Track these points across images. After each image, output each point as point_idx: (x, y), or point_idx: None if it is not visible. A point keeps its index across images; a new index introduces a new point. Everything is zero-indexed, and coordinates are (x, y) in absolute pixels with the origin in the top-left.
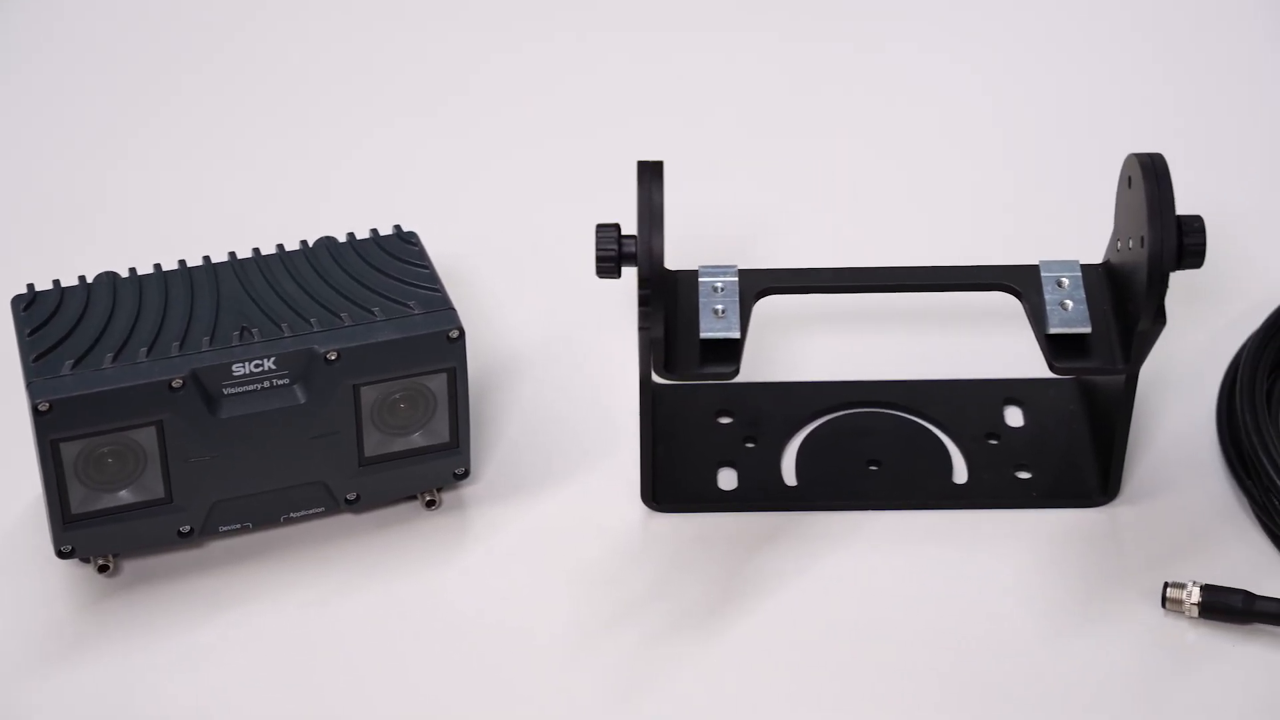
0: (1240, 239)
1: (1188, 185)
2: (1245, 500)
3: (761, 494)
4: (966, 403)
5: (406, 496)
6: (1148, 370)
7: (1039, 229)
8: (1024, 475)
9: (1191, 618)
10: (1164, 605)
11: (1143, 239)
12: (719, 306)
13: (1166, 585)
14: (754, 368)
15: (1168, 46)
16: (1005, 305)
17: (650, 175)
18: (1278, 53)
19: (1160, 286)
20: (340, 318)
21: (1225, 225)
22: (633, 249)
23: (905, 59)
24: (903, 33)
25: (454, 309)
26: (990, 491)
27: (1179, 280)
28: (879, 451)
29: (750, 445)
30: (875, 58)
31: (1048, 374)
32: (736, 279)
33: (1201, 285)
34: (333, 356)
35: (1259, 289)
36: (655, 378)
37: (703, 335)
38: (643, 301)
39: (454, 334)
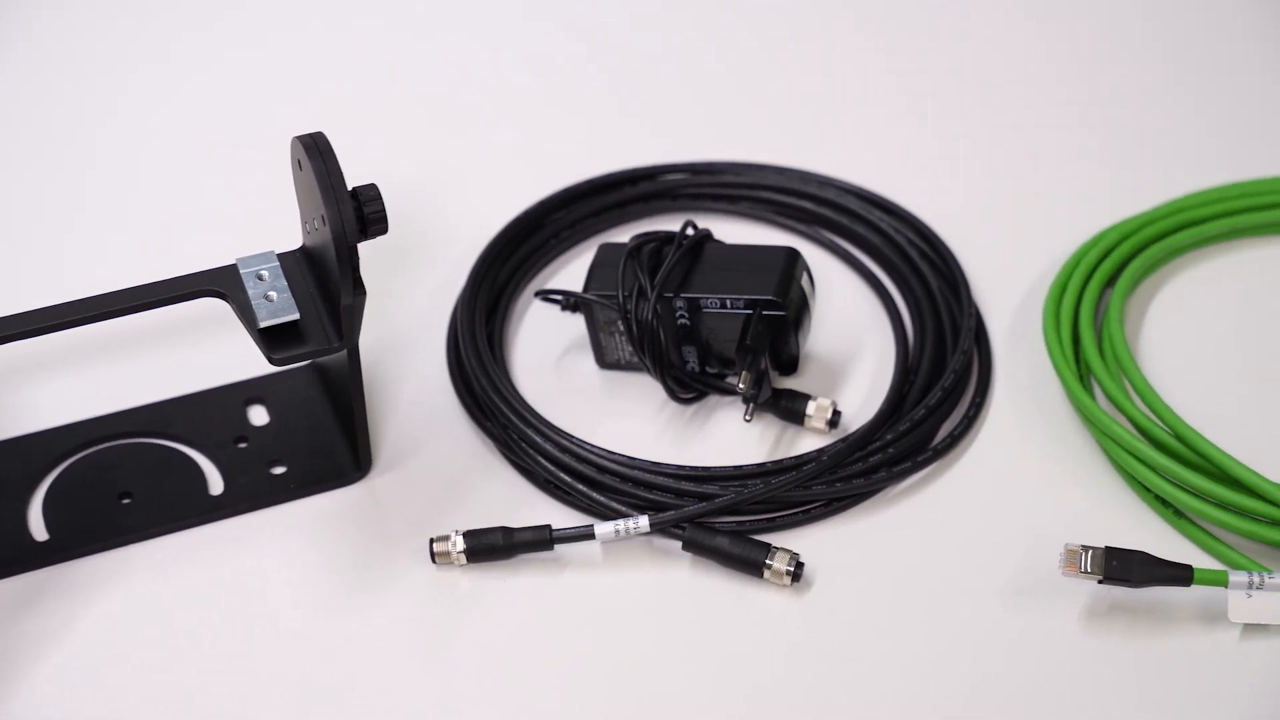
0: (438, 196)
1: (372, 156)
2: (490, 442)
3: (12, 556)
4: (208, 412)
5: None
6: (377, 340)
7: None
8: (279, 470)
9: (462, 565)
10: (434, 560)
11: (323, 217)
12: None
13: (432, 540)
14: None
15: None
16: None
17: None
18: (512, 7)
19: (350, 260)
20: None
21: (421, 185)
22: None
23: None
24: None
25: None
26: (249, 494)
27: (389, 244)
28: (128, 483)
29: None
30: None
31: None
32: None
33: (411, 246)
34: None
35: (463, 238)
36: None
37: None
38: None
39: None
